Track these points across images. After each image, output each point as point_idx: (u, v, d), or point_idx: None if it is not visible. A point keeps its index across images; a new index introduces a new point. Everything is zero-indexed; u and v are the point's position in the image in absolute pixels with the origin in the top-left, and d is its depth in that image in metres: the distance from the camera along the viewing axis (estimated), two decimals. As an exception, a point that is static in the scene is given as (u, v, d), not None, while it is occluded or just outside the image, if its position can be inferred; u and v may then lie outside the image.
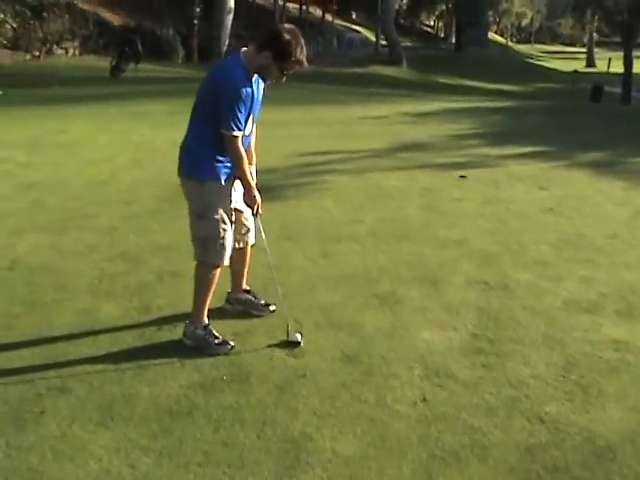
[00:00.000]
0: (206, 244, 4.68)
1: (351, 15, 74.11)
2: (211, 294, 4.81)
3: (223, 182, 4.60)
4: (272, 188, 8.48)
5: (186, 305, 5.02)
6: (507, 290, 6.03)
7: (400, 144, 13.13)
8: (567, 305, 5.77)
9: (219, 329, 4.84)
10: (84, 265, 6.30)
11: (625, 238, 7.72)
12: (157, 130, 13.71)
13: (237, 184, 4.71)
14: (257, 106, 4.59)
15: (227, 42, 39.59)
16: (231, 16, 39.47)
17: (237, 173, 4.59)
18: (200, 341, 4.74)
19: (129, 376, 4.39)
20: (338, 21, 65.35)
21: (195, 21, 39.30)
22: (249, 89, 4.38)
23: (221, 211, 4.62)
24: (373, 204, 8.69)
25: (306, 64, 4.48)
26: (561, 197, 9.48)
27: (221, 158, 4.54)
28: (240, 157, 4.48)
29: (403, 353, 4.81)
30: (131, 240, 7.01)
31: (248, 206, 4.74)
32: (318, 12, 62.83)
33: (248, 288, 5.35)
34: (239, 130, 4.40)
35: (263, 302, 5.32)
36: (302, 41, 4.39)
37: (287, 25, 4.48)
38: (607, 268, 6.73)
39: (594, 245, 7.41)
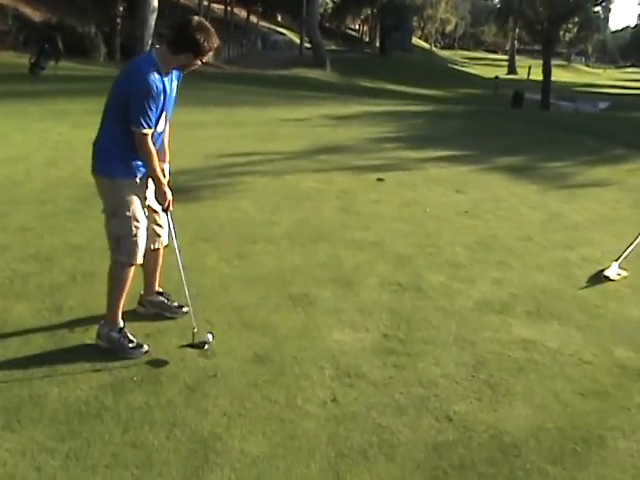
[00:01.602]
0: (119, 242, 4.63)
1: (276, 17, 74.19)
2: (125, 294, 4.75)
3: (137, 180, 4.57)
4: (189, 189, 8.46)
5: (99, 306, 4.97)
6: (420, 291, 6.13)
7: (320, 146, 13.22)
8: (478, 306, 5.90)
9: (131, 330, 4.79)
10: (-5, 266, 6.17)
11: (538, 241, 7.92)
12: (76, 129, 13.45)
13: (151, 182, 4.69)
14: (170, 103, 4.57)
15: (150, 41, 39.11)
16: (155, 15, 39.04)
17: (147, 170, 4.56)
18: (114, 344, 4.68)
19: (38, 377, 4.31)
20: (263, 23, 65.37)
21: (118, 19, 38.89)
22: (160, 86, 4.37)
23: (133, 208, 4.59)
24: (290, 205, 8.73)
25: (219, 42, 4.51)
26: (477, 200, 9.68)
27: (134, 155, 4.50)
28: (149, 154, 4.46)
29: (315, 353, 4.84)
30: (45, 240, 6.88)
31: (159, 203, 4.72)
32: (243, 13, 62.73)
33: (161, 290, 5.31)
34: (149, 127, 4.38)
35: (176, 304, 5.28)
36: (211, 29, 4.40)
37: (194, 21, 4.42)
38: (519, 270, 6.90)
39: (508, 247, 7.59)
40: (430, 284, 6.32)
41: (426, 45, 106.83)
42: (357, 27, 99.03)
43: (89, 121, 14.00)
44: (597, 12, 55.00)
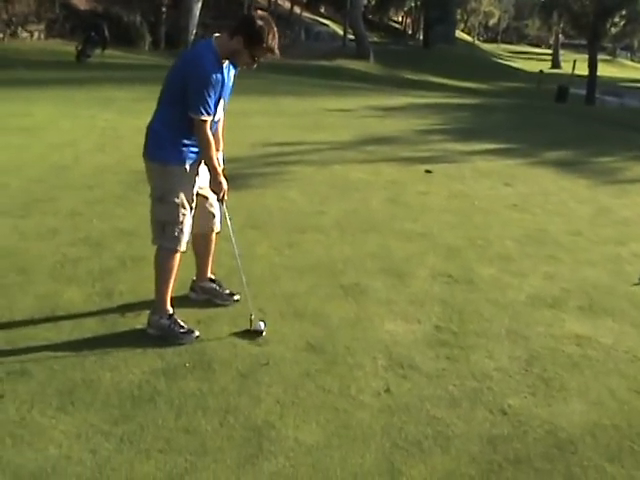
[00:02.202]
0: (164, 228, 4.61)
1: (319, 8, 73.98)
2: (172, 281, 4.73)
3: (187, 166, 4.54)
4: (237, 177, 8.42)
5: (148, 290, 4.97)
6: (471, 284, 6.06)
7: (366, 137, 13.13)
8: (531, 300, 5.82)
9: (182, 316, 4.78)
10: (46, 249, 6.19)
11: (588, 235, 7.81)
12: (122, 116, 13.54)
13: (202, 170, 4.66)
14: (227, 92, 4.55)
15: (195, 31, 39.30)
16: (200, 5, 39.19)
17: (204, 158, 4.54)
18: (165, 331, 4.67)
19: (91, 361, 4.32)
20: (306, 14, 65.13)
21: (163, 8, 38.96)
22: (219, 74, 4.33)
23: (182, 195, 4.56)
24: (338, 195, 8.68)
25: (277, 52, 4.43)
26: (526, 194, 9.56)
27: (187, 142, 4.48)
28: (208, 142, 4.43)
29: (367, 344, 4.80)
30: (94, 225, 6.91)
31: (214, 192, 4.70)
32: (287, 4, 62.59)
33: (213, 277, 5.30)
34: (208, 115, 4.35)
35: (228, 291, 5.27)
36: (275, 29, 4.35)
37: (261, 12, 4.45)
38: (570, 264, 6.80)
39: (557, 242, 7.48)
40: (481, 277, 6.25)
41: (469, 38, 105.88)
42: (400, 19, 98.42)
43: (135, 108, 14.27)
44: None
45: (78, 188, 8.20)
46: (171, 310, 4.73)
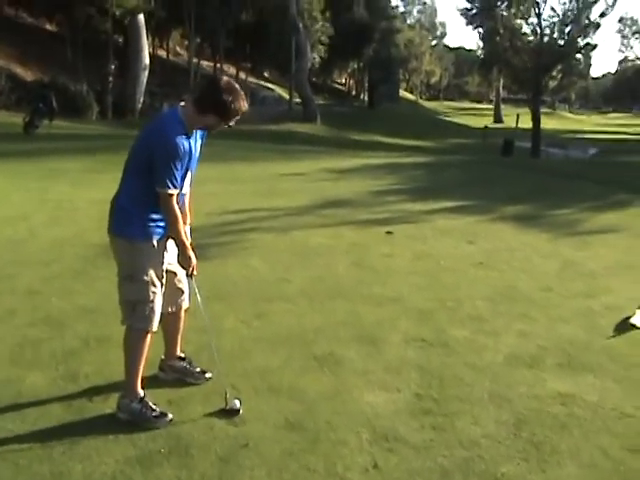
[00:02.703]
0: (135, 308, 4.41)
1: (264, 73, 74.83)
2: (143, 362, 4.51)
3: (155, 242, 4.37)
4: (196, 247, 8.21)
5: (115, 372, 4.75)
6: (446, 347, 5.92)
7: (323, 201, 13.04)
8: (509, 360, 5.70)
9: (152, 398, 4.55)
10: (4, 331, 5.89)
11: (558, 291, 7.75)
12: (75, 188, 13.34)
13: (170, 244, 4.50)
14: (194, 163, 4.41)
15: (142, 99, 39.37)
16: (146, 72, 39.38)
17: (172, 233, 4.38)
18: (136, 415, 4.42)
19: (59, 452, 4.06)
20: (251, 79, 65.83)
21: (110, 77, 39.01)
22: (186, 144, 4.20)
23: (152, 273, 4.38)
24: (301, 262, 8.52)
25: (246, 106, 4.32)
26: (490, 250, 9.52)
27: (154, 217, 4.32)
28: (175, 216, 4.28)
29: (349, 417, 4.61)
30: (54, 303, 6.63)
31: (183, 267, 4.53)
32: (232, 70, 63.27)
33: (183, 355, 5.08)
34: (175, 188, 4.20)
35: (199, 369, 5.04)
36: (241, 93, 4.25)
37: (223, 81, 4.31)
38: (543, 321, 6.72)
39: (528, 298, 7.41)
40: (455, 339, 6.12)
41: (412, 97, 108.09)
42: (344, 81, 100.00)
43: (88, 179, 14.11)
44: (579, 60, 55.66)
45: (34, 264, 7.93)
46: (142, 393, 4.50)
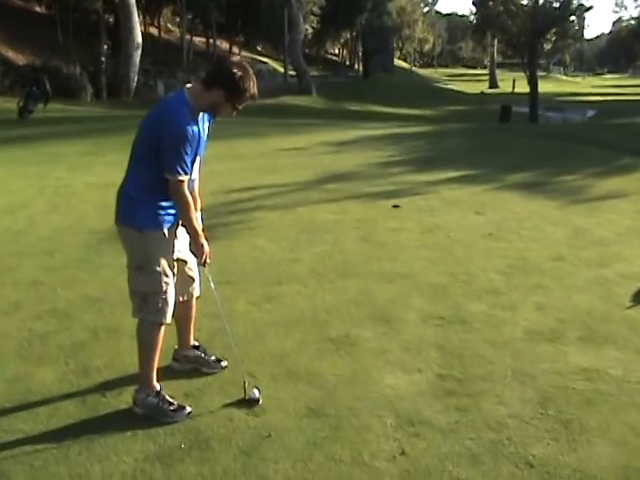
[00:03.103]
0: (146, 299, 4.25)
1: (257, 47, 74.32)
2: (158, 354, 4.37)
3: (165, 231, 4.22)
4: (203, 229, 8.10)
5: (128, 364, 4.65)
6: (464, 323, 5.79)
7: (326, 175, 12.84)
8: (528, 335, 5.58)
9: (168, 390, 4.42)
10: (10, 326, 5.73)
11: (570, 260, 7.62)
12: (73, 173, 13.13)
13: (180, 232, 4.35)
14: (202, 147, 4.24)
15: (136, 78, 39.04)
16: (139, 52, 38.98)
17: (183, 221, 4.23)
18: (153, 410, 4.28)
19: (75, 452, 3.92)
20: (245, 53, 65.34)
21: (102, 58, 38.65)
22: (195, 130, 4.02)
23: (163, 262, 4.23)
24: (308, 240, 8.36)
25: (255, 89, 4.14)
26: (498, 221, 9.37)
27: (163, 204, 4.16)
28: (187, 203, 4.12)
29: (370, 402, 4.48)
30: (59, 294, 6.48)
31: (195, 256, 4.38)
32: (225, 45, 62.83)
33: (197, 344, 4.93)
34: (185, 174, 4.03)
35: (214, 358, 4.90)
36: (251, 73, 4.08)
37: (235, 59, 4.17)
38: (559, 292, 6.59)
39: (541, 269, 7.27)
40: (472, 315, 5.98)
41: (406, 65, 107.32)
42: (337, 52, 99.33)
43: (85, 163, 13.93)
44: (573, 21, 55.30)
45: (36, 254, 7.77)
46: (158, 386, 4.36)
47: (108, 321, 5.77)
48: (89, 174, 12.79)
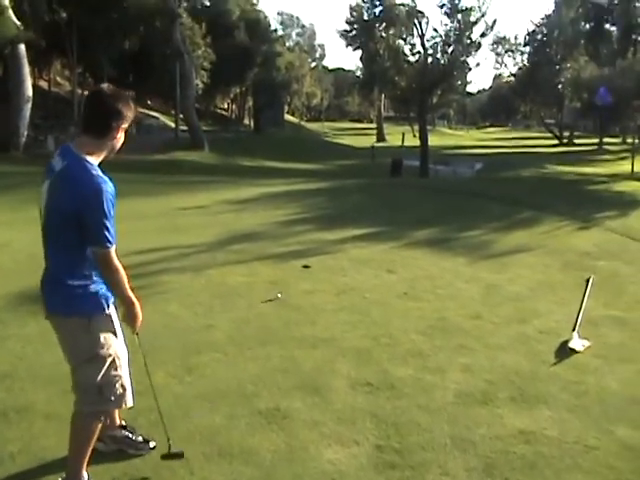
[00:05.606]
0: (101, 390, 3.95)
1: (146, 101, 73.79)
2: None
3: (112, 309, 3.97)
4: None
5: (45, 449, 4.37)
6: (394, 389, 5.68)
7: (231, 235, 12.60)
8: (460, 398, 5.53)
9: (95, 477, 4.13)
10: None
11: (488, 317, 7.68)
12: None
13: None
14: None
15: (26, 133, 38.00)
16: (29, 105, 37.96)
17: (117, 291, 3.92)
18: (81, 502, 3.97)
19: None
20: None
21: (-10, 111, 37.51)
22: (111, 187, 3.74)
23: (114, 344, 3.97)
24: (222, 304, 8.09)
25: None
26: (411, 279, 9.36)
27: (98, 279, 3.87)
28: (118, 272, 3.83)
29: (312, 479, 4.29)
30: (-40, 372, 6.04)
31: (128, 325, 4.13)
32: (114, 100, 62.02)
33: (124, 423, 4.64)
34: (113, 242, 3.75)
35: (141, 439, 4.62)
36: (122, 92, 3.86)
37: (105, 91, 3.82)
38: (483, 352, 6.60)
39: (462, 328, 7.28)
40: (400, 379, 5.89)
41: (295, 119, 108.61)
42: (226, 106, 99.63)
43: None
44: (460, 77, 57.20)
45: None
46: (86, 475, 4.06)
47: (18, 400, 5.36)
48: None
